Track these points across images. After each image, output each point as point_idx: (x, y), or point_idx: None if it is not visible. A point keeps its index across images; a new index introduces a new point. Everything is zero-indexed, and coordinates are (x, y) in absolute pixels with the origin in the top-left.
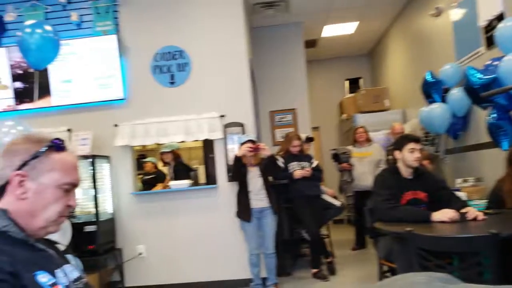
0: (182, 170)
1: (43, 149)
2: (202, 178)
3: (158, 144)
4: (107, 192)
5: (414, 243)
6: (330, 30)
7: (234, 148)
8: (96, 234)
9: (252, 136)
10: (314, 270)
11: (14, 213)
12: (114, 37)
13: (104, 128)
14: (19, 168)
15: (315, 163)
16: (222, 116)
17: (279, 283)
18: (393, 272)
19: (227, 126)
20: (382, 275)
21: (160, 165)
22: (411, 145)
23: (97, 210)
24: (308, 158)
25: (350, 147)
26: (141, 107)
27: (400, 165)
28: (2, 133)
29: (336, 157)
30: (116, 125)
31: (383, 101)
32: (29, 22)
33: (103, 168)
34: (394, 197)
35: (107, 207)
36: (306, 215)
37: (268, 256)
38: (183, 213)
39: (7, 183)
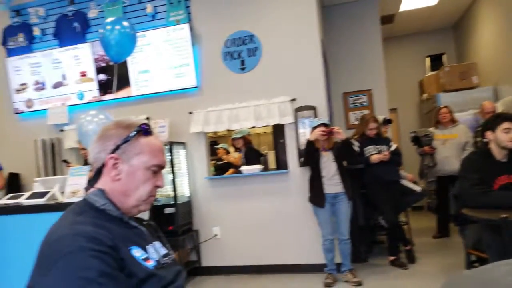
0: (253, 156)
1: (133, 133)
2: (272, 163)
3: (229, 130)
4: (184, 176)
5: (510, 231)
6: (410, 3)
7: (306, 133)
8: (174, 216)
9: (325, 120)
10: (392, 258)
11: (110, 192)
12: (186, 26)
13: (179, 116)
14: (113, 151)
15: (393, 146)
16: (293, 100)
17: (354, 270)
18: (483, 262)
19: (298, 110)
20: (470, 265)
21: (232, 151)
22: (506, 125)
23: (175, 193)
24: (386, 142)
25: (432, 129)
26: (213, 94)
27: (492, 146)
28: (87, 122)
29: (417, 140)
30: (190, 113)
31: (470, 78)
32: (109, 19)
33: (180, 154)
34: (485, 181)
35: (184, 190)
36: (384, 201)
37: (343, 242)
38: (255, 197)
39: (103, 165)
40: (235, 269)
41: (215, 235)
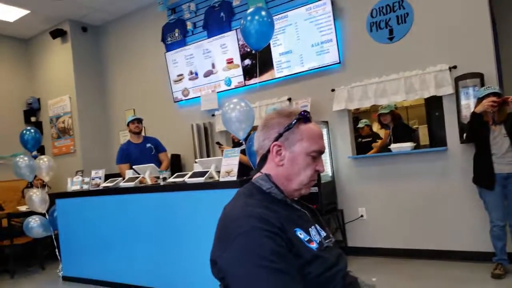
0: (402, 132)
1: (293, 121)
2: (423, 139)
3: (372, 106)
4: (326, 155)
5: None
6: None
7: (470, 104)
8: (318, 195)
9: (496, 88)
10: None
11: (275, 177)
12: (328, 1)
13: (321, 94)
14: (276, 139)
15: None
16: (453, 67)
17: None
18: None
19: (459, 78)
20: None
21: (376, 127)
22: None
23: (318, 173)
24: None
25: None
26: (358, 69)
27: None
28: (230, 109)
29: None
30: (333, 90)
31: None
32: (249, 10)
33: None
34: None
35: (327, 169)
36: None
37: None
38: (405, 178)
39: (268, 152)
40: (381, 251)
41: (361, 216)
